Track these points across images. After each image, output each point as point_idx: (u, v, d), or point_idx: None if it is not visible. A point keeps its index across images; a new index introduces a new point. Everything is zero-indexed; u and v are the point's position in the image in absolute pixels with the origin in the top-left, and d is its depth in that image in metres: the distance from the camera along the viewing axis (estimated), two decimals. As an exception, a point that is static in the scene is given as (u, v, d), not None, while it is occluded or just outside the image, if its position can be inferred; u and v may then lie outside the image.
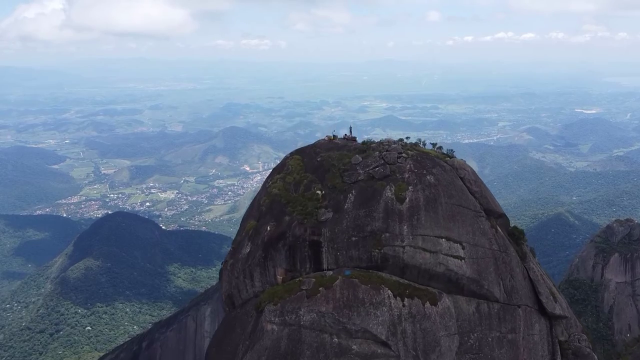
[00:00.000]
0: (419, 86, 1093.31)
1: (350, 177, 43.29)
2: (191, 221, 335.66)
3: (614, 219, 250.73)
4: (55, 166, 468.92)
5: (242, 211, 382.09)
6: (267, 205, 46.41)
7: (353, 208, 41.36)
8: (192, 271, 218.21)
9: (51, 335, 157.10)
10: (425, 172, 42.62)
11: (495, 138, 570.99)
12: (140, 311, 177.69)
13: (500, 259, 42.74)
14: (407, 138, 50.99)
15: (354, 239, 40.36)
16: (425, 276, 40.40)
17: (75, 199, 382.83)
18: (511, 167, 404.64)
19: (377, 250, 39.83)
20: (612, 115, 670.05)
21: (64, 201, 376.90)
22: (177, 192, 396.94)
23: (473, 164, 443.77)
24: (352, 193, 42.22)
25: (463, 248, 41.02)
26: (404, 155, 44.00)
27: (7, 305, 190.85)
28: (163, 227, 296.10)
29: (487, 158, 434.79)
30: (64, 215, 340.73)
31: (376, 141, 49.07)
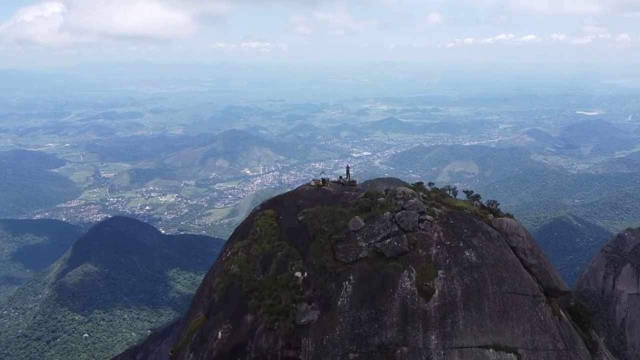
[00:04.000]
0: (420, 88, 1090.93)
1: (347, 253, 29.59)
2: (191, 225, 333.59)
3: (617, 222, 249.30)
4: (55, 170, 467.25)
5: (242, 215, 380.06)
6: (221, 292, 32.12)
7: (351, 306, 28.12)
8: (191, 276, 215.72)
9: (48, 342, 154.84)
10: (462, 244, 29.48)
11: (496, 140, 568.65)
12: (138, 317, 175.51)
13: None
14: (431, 184, 36.62)
15: (352, 356, 27.22)
16: None
17: (74, 203, 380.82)
18: (512, 169, 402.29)
19: None
20: (613, 117, 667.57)
21: (63, 205, 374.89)
22: (177, 196, 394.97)
23: (474, 167, 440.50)
24: (349, 280, 28.78)
25: (519, 357, 28.49)
26: (428, 217, 30.40)
27: (5, 312, 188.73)
28: (163, 231, 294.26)
29: (488, 161, 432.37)
30: (64, 219, 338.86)
31: (385, 190, 34.44)
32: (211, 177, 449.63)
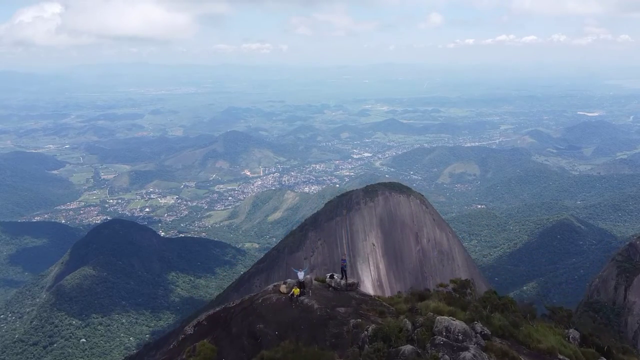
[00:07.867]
0: (421, 89, 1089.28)
1: None
2: (191, 227, 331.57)
3: (619, 224, 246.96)
4: (55, 171, 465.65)
5: (242, 217, 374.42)
6: None
7: None
8: (191, 280, 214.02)
9: (45, 348, 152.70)
10: None
11: (497, 141, 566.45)
12: (137, 322, 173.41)
13: None
14: (494, 293, 21.75)
15: None
16: None
17: (74, 205, 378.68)
18: (514, 170, 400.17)
19: None
20: (615, 118, 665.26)
21: (62, 207, 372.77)
22: (177, 198, 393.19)
23: (475, 168, 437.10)
24: None
25: None
26: None
27: (2, 316, 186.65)
28: (162, 234, 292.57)
29: (490, 162, 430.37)
30: (63, 221, 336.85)
31: (413, 319, 18.41)
32: (211, 178, 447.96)
